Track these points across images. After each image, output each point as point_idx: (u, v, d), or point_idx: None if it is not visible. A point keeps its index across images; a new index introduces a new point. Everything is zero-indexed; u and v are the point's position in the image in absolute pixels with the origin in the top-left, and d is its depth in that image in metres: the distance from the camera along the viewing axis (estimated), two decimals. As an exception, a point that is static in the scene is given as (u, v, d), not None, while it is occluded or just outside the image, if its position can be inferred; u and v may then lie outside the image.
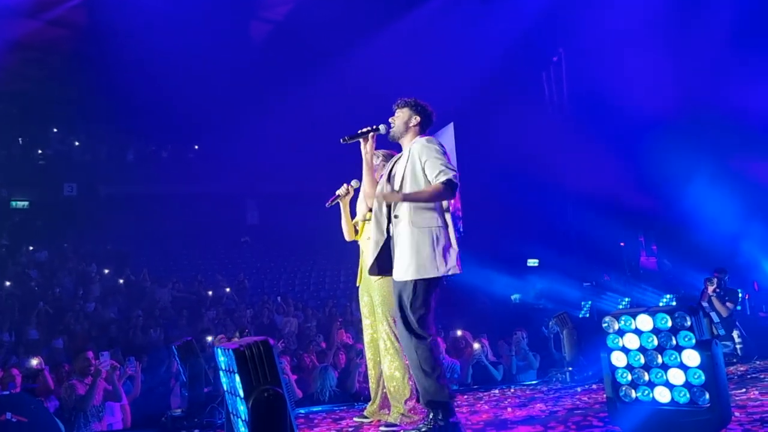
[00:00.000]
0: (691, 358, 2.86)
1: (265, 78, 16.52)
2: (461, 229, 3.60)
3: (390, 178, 3.71)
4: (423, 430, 3.34)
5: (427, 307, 3.43)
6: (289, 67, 16.33)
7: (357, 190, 4.35)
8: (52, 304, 11.39)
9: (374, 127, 3.81)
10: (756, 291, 10.07)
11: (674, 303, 9.67)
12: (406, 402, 3.86)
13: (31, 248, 15.48)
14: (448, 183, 3.41)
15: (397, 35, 13.97)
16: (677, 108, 10.79)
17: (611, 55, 11.25)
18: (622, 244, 12.72)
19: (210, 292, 13.63)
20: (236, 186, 19.14)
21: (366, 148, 3.86)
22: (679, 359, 2.90)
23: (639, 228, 12.25)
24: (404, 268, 3.45)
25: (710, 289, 7.60)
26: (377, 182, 3.85)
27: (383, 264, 3.62)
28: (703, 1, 10.64)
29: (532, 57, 14.03)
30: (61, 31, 15.51)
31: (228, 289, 14.05)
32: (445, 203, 3.53)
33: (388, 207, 3.62)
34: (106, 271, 14.45)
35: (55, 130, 19.68)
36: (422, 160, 3.52)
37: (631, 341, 3.05)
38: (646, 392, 3.01)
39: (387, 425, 3.90)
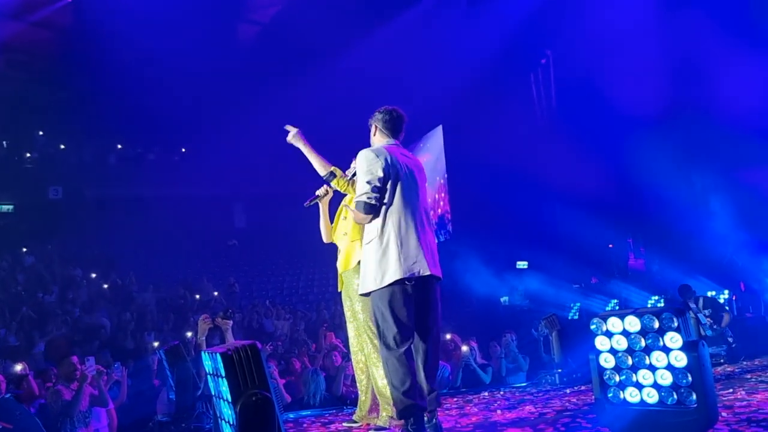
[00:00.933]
0: (679, 359, 2.87)
1: (253, 80, 16.47)
2: (450, 231, 3.59)
3: None
4: None
5: (385, 320, 3.39)
6: (277, 69, 16.30)
7: (336, 192, 4.35)
8: (36, 309, 11.26)
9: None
10: (742, 292, 10.16)
11: (662, 304, 9.74)
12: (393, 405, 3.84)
13: (17, 252, 15.30)
14: (358, 205, 3.57)
15: (385, 38, 13.98)
16: (665, 109, 10.88)
17: (599, 57, 11.33)
18: (610, 245, 12.79)
19: (197, 296, 13.54)
20: (223, 189, 19.05)
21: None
22: (666, 360, 2.91)
23: (627, 230, 12.32)
24: (359, 284, 3.65)
25: (705, 318, 7.65)
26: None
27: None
28: (690, 2, 10.72)
29: (520, 59, 14.09)
30: (47, 33, 15.40)
31: (216, 293, 13.97)
32: (394, 206, 3.53)
33: None
34: (93, 275, 14.31)
35: (40, 132, 19.48)
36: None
37: (619, 343, 3.06)
38: (634, 393, 3.01)
39: (376, 428, 3.88)
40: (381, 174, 3.50)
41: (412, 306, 3.41)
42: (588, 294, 12.30)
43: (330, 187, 4.22)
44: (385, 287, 3.41)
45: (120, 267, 15.20)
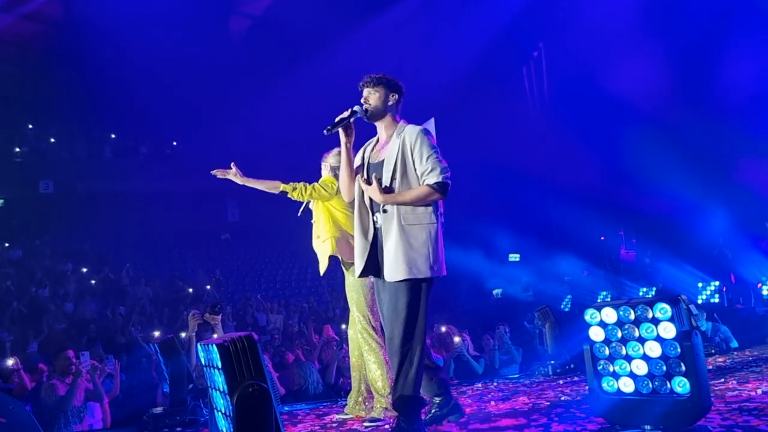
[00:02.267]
0: (672, 348, 2.89)
1: (245, 73, 16.41)
2: (443, 224, 3.53)
3: (369, 168, 3.45)
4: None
5: (425, 312, 3.28)
6: (270, 62, 16.24)
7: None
8: (27, 304, 11.21)
9: (352, 110, 3.38)
10: (733, 283, 10.23)
11: (651, 295, 9.81)
12: (388, 396, 3.86)
13: (6, 246, 15.21)
14: (439, 186, 3.23)
15: (378, 31, 13.97)
16: (658, 102, 10.92)
17: (591, 49, 11.35)
18: (602, 238, 12.85)
19: (190, 290, 13.51)
20: (216, 182, 18.88)
21: (346, 137, 3.42)
22: (660, 350, 2.93)
23: (619, 222, 12.38)
24: (396, 268, 3.23)
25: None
26: (355, 175, 3.50)
27: (370, 264, 3.40)
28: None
29: (512, 52, 14.10)
30: (37, 26, 15.28)
31: (209, 287, 13.95)
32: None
33: (372, 212, 3.39)
34: (84, 270, 14.25)
35: (30, 126, 19.32)
36: (413, 152, 3.29)
37: (613, 333, 3.08)
38: (628, 383, 3.03)
39: (371, 420, 3.90)
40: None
41: None
42: (580, 286, 12.37)
43: (353, 111, 3.40)
44: (433, 278, 3.28)
45: (112, 261, 15.14)
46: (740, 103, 10.14)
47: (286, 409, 4.98)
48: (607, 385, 3.10)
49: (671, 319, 2.91)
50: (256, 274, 16.29)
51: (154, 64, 14.93)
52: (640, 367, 2.99)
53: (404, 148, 3.32)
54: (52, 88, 17.09)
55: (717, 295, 9.37)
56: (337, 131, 3.40)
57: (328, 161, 4.38)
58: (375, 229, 3.39)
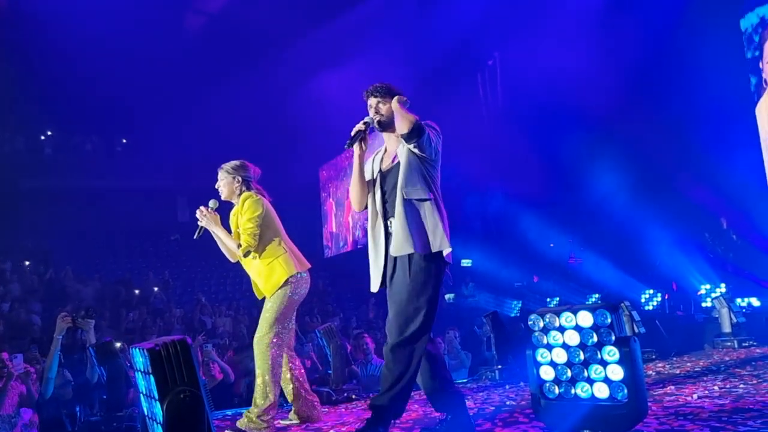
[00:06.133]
0: (611, 354, 2.94)
1: (198, 70, 16.13)
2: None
3: (384, 177, 3.40)
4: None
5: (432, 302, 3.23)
6: (223, 60, 16.02)
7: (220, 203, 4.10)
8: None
9: (364, 122, 3.38)
10: (674, 291, 10.55)
11: (592, 301, 10.03)
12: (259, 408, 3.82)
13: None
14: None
15: (333, 34, 13.92)
16: (609, 113, 11.18)
17: (544, 58, 11.55)
18: (551, 245, 13.08)
19: (137, 291, 13.19)
20: (166, 181, 18.58)
21: (361, 149, 3.40)
22: (599, 355, 2.97)
23: (567, 230, 12.63)
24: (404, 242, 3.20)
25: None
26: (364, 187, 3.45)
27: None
28: (638, 6, 11.01)
29: (467, 60, 14.25)
30: (-24, 14, 14.67)
31: (156, 288, 13.64)
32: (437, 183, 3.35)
33: (385, 218, 3.34)
34: (24, 269, 13.74)
35: (-31, 119, 18.55)
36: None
37: (555, 338, 3.11)
38: (568, 388, 3.07)
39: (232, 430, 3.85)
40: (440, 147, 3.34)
41: None
42: (529, 292, 12.56)
43: (366, 122, 3.38)
44: (445, 261, 3.23)
45: (55, 261, 14.64)
46: (688, 117, 10.46)
47: (230, 413, 4.87)
48: (548, 390, 3.13)
49: (611, 326, 2.96)
50: (205, 276, 15.98)
51: (104, 58, 14.53)
52: (581, 373, 3.03)
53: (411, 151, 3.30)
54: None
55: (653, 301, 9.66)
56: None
57: (238, 173, 4.13)
58: (387, 235, 3.34)
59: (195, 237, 4.12)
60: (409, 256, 3.20)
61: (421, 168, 3.28)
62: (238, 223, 4.03)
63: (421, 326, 3.15)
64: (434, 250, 3.20)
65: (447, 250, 3.22)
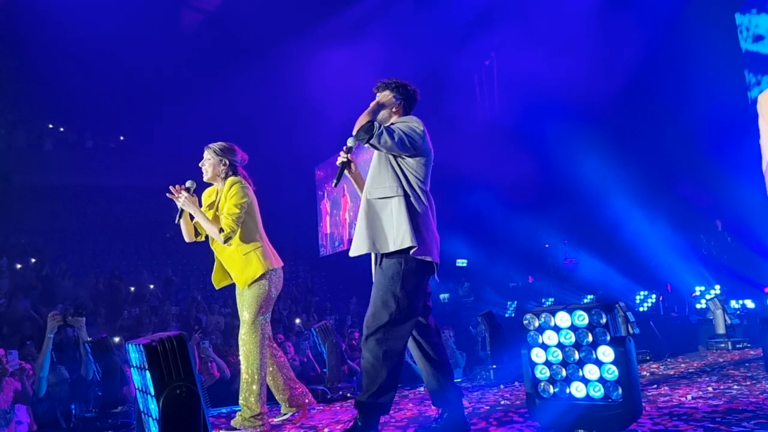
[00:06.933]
0: (606, 354, 2.95)
1: (195, 68, 16.10)
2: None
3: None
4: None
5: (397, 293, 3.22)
6: (221, 58, 15.99)
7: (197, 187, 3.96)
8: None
9: (347, 147, 3.44)
10: (669, 293, 10.59)
11: (593, 302, 10.04)
12: (252, 409, 3.84)
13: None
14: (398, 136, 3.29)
15: (330, 34, 13.91)
16: (607, 114, 11.21)
17: (541, 59, 11.57)
18: (546, 245, 13.11)
19: (132, 289, 13.15)
20: (162, 179, 18.47)
21: (350, 172, 3.56)
22: (594, 355, 2.98)
23: (563, 231, 12.66)
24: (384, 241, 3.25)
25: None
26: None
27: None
28: (632, 7, 11.03)
29: (464, 59, 14.25)
30: (-25, 9, 14.61)
31: (152, 286, 13.60)
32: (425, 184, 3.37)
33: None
34: (19, 265, 13.68)
35: (-35, 114, 18.47)
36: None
37: (550, 338, 3.12)
38: (563, 388, 3.08)
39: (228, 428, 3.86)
40: (422, 138, 3.33)
41: None
42: (525, 292, 12.58)
43: (348, 147, 3.45)
44: (418, 257, 3.18)
45: (51, 257, 14.59)
46: (684, 120, 10.49)
47: (225, 411, 4.87)
48: (543, 390, 3.15)
49: (606, 326, 2.97)
50: (201, 273, 15.95)
51: (102, 55, 14.50)
52: (576, 372, 3.04)
53: None
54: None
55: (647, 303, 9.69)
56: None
57: (226, 156, 4.03)
58: None
59: (176, 222, 3.98)
60: (383, 253, 3.23)
61: (394, 164, 3.31)
62: (221, 207, 3.93)
63: (389, 321, 3.13)
64: (395, 248, 3.18)
65: (407, 244, 3.14)
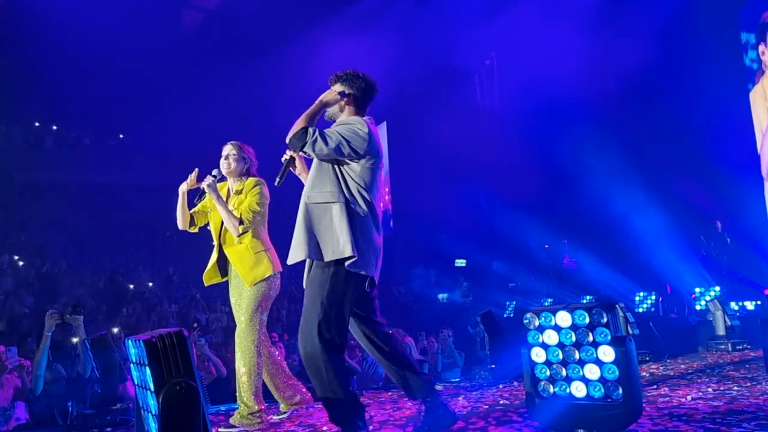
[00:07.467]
0: (606, 353, 2.95)
1: (195, 67, 16.09)
2: (391, 227, 3.50)
3: None
4: None
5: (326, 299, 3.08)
6: (221, 56, 15.98)
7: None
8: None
9: (290, 155, 3.35)
10: (668, 294, 10.57)
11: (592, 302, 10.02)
12: (249, 406, 3.86)
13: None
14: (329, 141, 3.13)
15: (331, 33, 13.90)
16: (605, 114, 11.20)
17: (542, 59, 11.57)
18: (546, 246, 13.10)
19: (131, 286, 13.15)
20: (161, 177, 18.50)
21: (297, 168, 3.49)
22: (595, 355, 2.98)
23: (563, 231, 12.65)
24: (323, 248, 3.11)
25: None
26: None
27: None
28: (634, 10, 11.02)
29: (465, 59, 14.25)
30: (-25, 7, 14.61)
31: (151, 284, 13.60)
32: (372, 186, 3.22)
33: None
34: (21, 263, 13.68)
35: (-35, 111, 18.44)
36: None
37: (551, 337, 3.11)
38: (564, 387, 3.07)
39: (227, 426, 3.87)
40: (366, 141, 3.13)
41: None
42: (524, 292, 12.57)
43: (290, 150, 3.33)
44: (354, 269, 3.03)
45: (50, 255, 14.58)
46: (684, 120, 10.48)
47: (223, 408, 4.87)
48: (543, 389, 3.14)
49: (606, 325, 2.96)
50: (200, 272, 15.92)
51: (102, 53, 14.47)
52: (576, 372, 3.04)
53: None
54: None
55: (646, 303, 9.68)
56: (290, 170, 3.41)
57: (249, 159, 4.17)
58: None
59: (195, 202, 4.07)
60: (314, 261, 3.12)
61: (336, 168, 3.15)
62: (238, 202, 4.04)
63: (320, 331, 3.00)
64: (334, 257, 3.03)
65: (347, 254, 3.00)
